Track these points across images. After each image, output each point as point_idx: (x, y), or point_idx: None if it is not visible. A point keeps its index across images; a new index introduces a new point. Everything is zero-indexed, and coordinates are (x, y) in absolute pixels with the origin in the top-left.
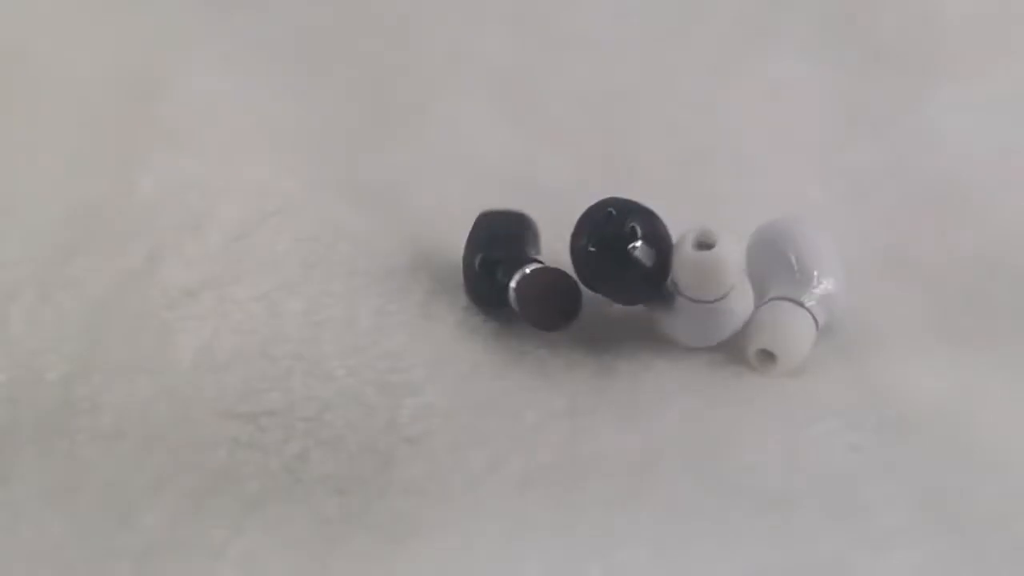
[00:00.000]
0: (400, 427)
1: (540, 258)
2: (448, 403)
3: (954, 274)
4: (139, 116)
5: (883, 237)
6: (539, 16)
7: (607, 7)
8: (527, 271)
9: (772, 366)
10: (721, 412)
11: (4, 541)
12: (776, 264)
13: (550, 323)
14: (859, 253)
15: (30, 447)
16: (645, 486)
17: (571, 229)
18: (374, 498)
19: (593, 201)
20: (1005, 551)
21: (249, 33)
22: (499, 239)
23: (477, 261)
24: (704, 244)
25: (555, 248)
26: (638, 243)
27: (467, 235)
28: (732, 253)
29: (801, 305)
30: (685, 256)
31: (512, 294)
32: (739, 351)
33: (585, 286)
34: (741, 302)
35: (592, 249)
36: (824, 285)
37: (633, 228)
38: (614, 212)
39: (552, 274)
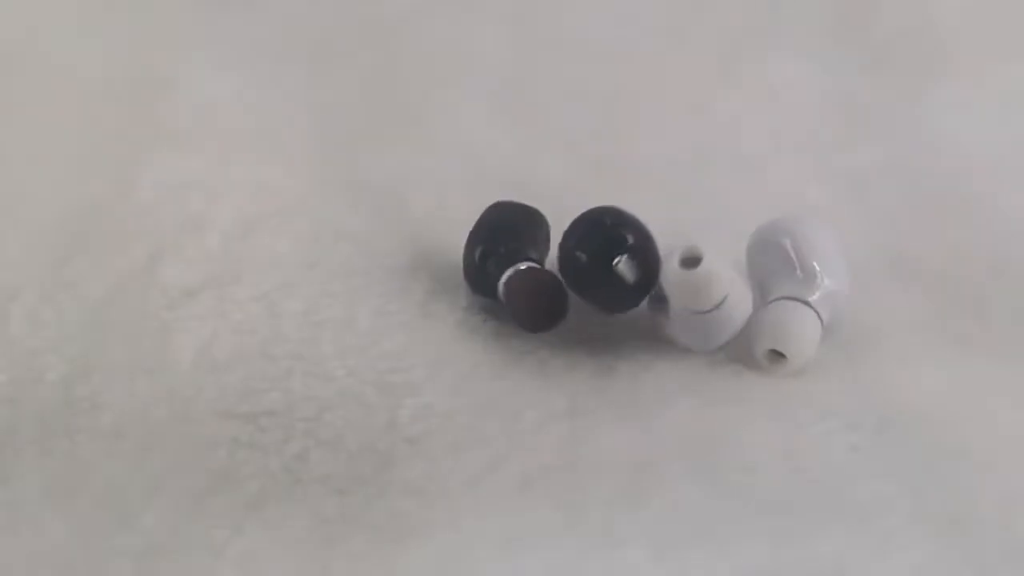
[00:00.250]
0: (400, 427)
1: (535, 256)
2: (448, 403)
3: (954, 274)
4: (139, 116)
5: (883, 237)
6: (539, 16)
7: (607, 7)
8: (519, 268)
9: (781, 366)
10: (721, 412)
11: (4, 541)
12: (778, 264)
13: (534, 324)
14: (859, 253)
15: (30, 447)
16: (645, 486)
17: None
18: (374, 498)
19: (592, 201)
20: (1005, 551)
21: (249, 33)
22: (501, 231)
23: (477, 251)
24: (690, 260)
25: (553, 248)
26: (622, 257)
27: (474, 224)
28: (718, 267)
29: (806, 304)
30: (672, 274)
31: (502, 289)
32: (739, 351)
33: (570, 289)
34: (738, 307)
35: (577, 256)
36: (827, 283)
37: (620, 241)
38: (608, 222)
39: (541, 275)
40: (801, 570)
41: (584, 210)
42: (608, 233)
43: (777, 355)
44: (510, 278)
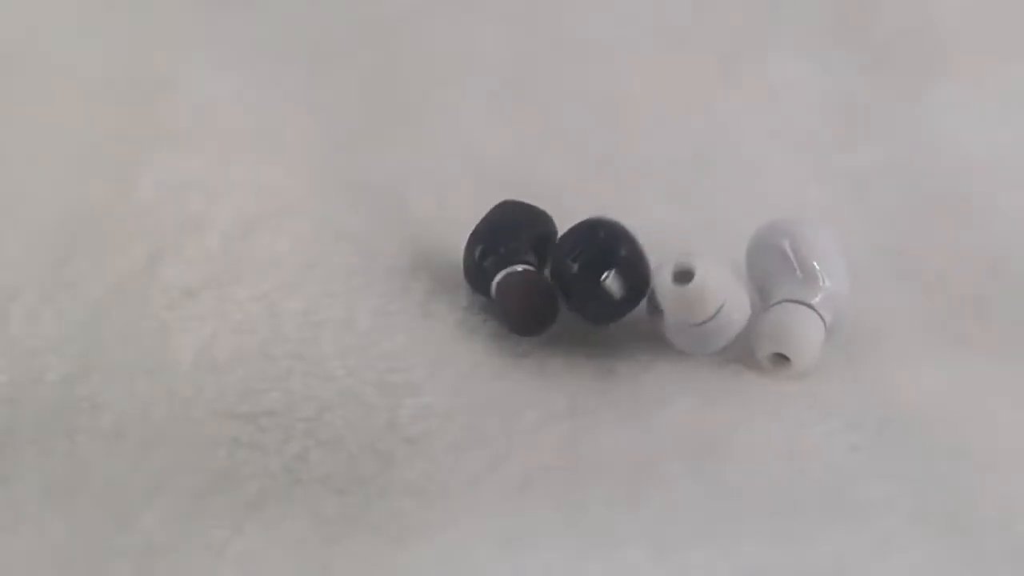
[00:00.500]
0: (400, 427)
1: (533, 259)
2: (448, 403)
3: (954, 274)
4: (139, 116)
5: (883, 237)
6: (539, 16)
7: (607, 7)
8: (513, 270)
9: (784, 369)
10: (721, 412)
11: (4, 541)
12: (778, 266)
13: (520, 327)
14: (859, 253)
15: (30, 447)
16: (645, 486)
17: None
18: (374, 498)
19: (592, 201)
20: (1005, 551)
21: (249, 33)
22: (503, 231)
23: (477, 250)
24: (682, 274)
25: None
26: (611, 273)
27: (478, 222)
28: (711, 280)
29: (809, 306)
30: (664, 289)
31: (494, 289)
32: (740, 352)
33: (560, 296)
34: (734, 314)
35: (566, 266)
36: (829, 284)
37: (610, 256)
38: (601, 234)
39: (532, 279)
40: (801, 570)
41: (583, 213)
42: (600, 246)
43: (781, 358)
44: (502, 279)
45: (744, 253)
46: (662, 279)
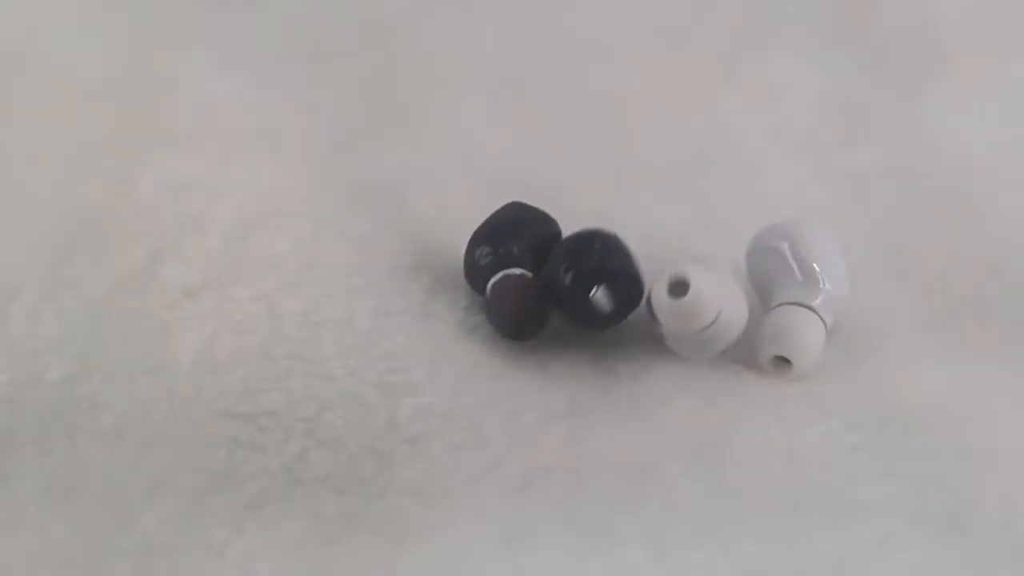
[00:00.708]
0: (400, 427)
1: (531, 263)
2: (448, 403)
3: (954, 274)
4: (139, 116)
5: (883, 237)
6: (539, 16)
7: (607, 7)
8: (507, 273)
9: (786, 371)
10: (721, 412)
11: (4, 541)
12: (778, 269)
13: (509, 331)
14: (859, 253)
15: (30, 447)
16: (645, 486)
17: (569, 230)
18: (374, 498)
19: (592, 201)
20: (1005, 551)
21: (249, 33)
22: (504, 233)
23: (477, 251)
24: (677, 286)
25: None
26: (600, 288)
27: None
28: (707, 290)
29: (810, 309)
30: (660, 302)
31: (488, 291)
32: (740, 352)
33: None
34: (732, 320)
35: (558, 276)
36: (829, 286)
37: (601, 272)
38: (596, 248)
39: (525, 285)
40: (801, 570)
41: (584, 213)
42: (591, 260)
43: (782, 361)
44: (496, 282)
45: (744, 254)
46: (658, 291)
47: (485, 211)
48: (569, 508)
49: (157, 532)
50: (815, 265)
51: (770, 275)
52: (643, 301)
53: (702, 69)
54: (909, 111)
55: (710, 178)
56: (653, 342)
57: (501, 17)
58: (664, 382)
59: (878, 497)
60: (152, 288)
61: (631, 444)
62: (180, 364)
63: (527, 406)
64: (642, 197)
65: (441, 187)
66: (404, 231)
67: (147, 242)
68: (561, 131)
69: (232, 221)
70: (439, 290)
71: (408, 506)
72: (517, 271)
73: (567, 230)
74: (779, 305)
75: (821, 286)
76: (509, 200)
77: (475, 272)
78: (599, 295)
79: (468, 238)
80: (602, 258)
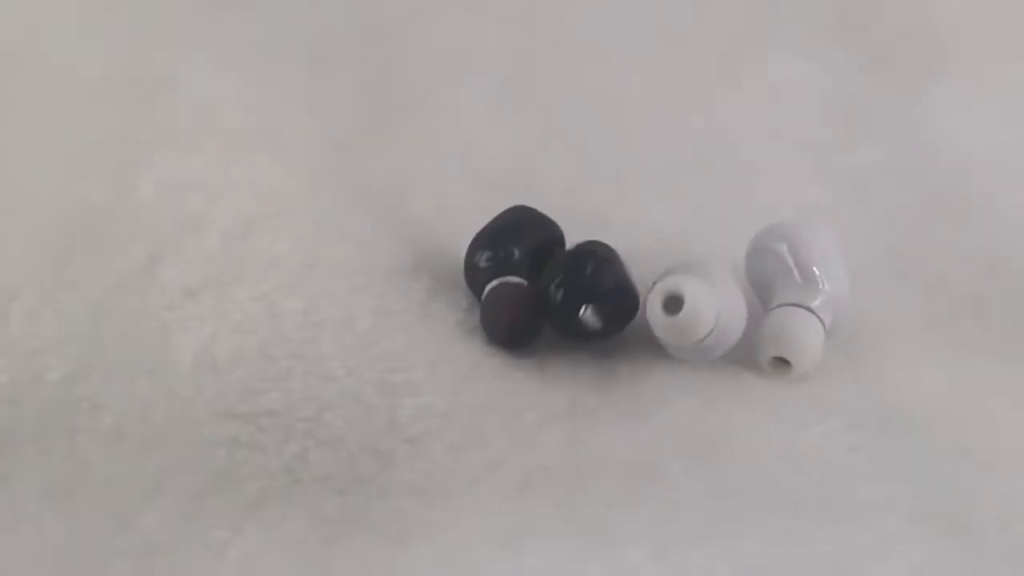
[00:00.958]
0: (400, 427)
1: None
2: (448, 403)
3: (954, 274)
4: (139, 116)
5: (883, 237)
6: (540, 16)
7: (607, 7)
8: (504, 281)
9: (785, 372)
10: (721, 412)
11: (4, 541)
12: (777, 270)
13: (500, 339)
14: (859, 253)
15: (30, 447)
16: (645, 486)
17: (569, 230)
18: (374, 498)
19: (592, 201)
20: (1005, 551)
21: (249, 33)
22: (504, 239)
23: (476, 255)
24: (672, 301)
25: None
26: (589, 307)
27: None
28: (702, 305)
29: (808, 310)
30: (656, 319)
31: (483, 297)
32: (740, 354)
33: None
34: (730, 326)
35: (551, 292)
36: (828, 287)
37: (591, 292)
38: (589, 268)
39: (519, 295)
40: (801, 570)
41: (584, 213)
42: (582, 279)
43: (781, 362)
44: (491, 290)
45: (743, 255)
46: (652, 307)
47: (485, 211)
48: (569, 508)
49: (157, 532)
50: (814, 266)
51: (769, 276)
52: (640, 311)
53: (702, 69)
54: (909, 111)
55: (710, 178)
56: (653, 343)
57: (501, 17)
58: (664, 383)
59: (878, 497)
60: (152, 288)
61: (631, 444)
62: (180, 364)
63: (527, 406)
64: (642, 197)
65: (441, 187)
66: (404, 231)
67: (147, 242)
68: (561, 131)
69: (232, 221)
70: (439, 290)
71: (408, 506)
72: (513, 280)
73: (568, 231)
74: (778, 306)
75: (820, 287)
76: (509, 199)
77: (474, 275)
78: (588, 314)
79: (468, 238)
80: (593, 277)
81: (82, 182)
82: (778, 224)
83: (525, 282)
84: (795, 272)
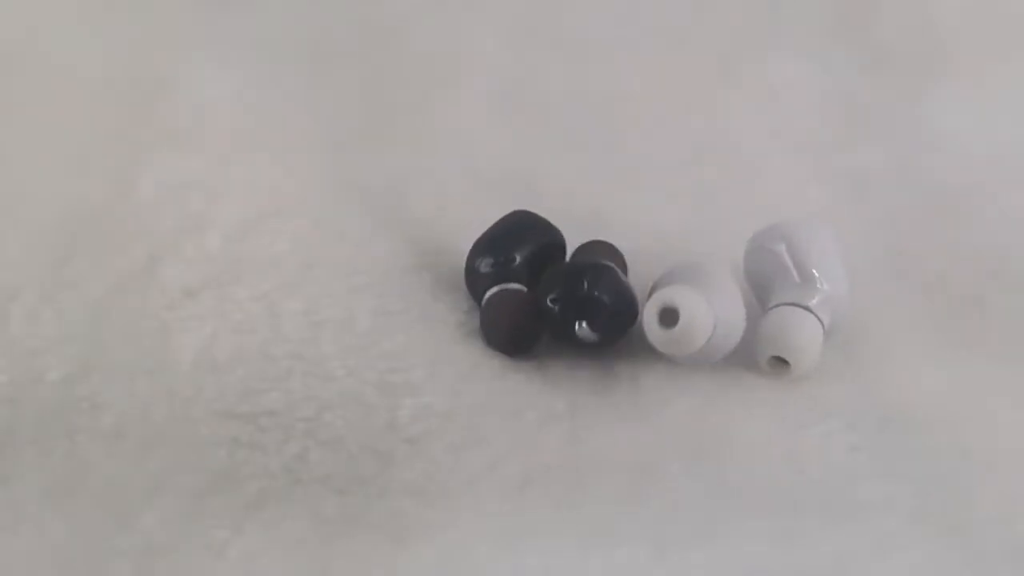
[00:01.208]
0: (400, 427)
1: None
2: (448, 403)
3: (954, 274)
4: (139, 116)
5: (883, 237)
6: (539, 17)
7: (607, 8)
8: (504, 288)
9: (784, 372)
10: (721, 412)
11: (4, 541)
12: (775, 270)
13: (501, 346)
14: (859, 253)
15: (30, 447)
16: (645, 486)
17: (569, 230)
18: (374, 498)
19: (592, 201)
20: (1005, 551)
21: (249, 33)
22: (505, 245)
23: (476, 261)
24: (667, 313)
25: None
26: (583, 323)
27: (485, 230)
28: (698, 317)
29: (807, 309)
30: (652, 332)
31: (483, 303)
32: (740, 354)
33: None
34: (728, 329)
35: (548, 305)
36: (826, 287)
37: (586, 308)
38: (585, 283)
39: (519, 302)
40: (801, 570)
41: (584, 214)
42: (579, 293)
43: (780, 361)
44: (491, 296)
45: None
46: (649, 320)
47: (485, 211)
48: (569, 508)
49: (157, 532)
50: (812, 266)
51: (768, 276)
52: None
53: (702, 69)
54: (909, 111)
55: (710, 178)
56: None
57: (501, 17)
58: (664, 383)
59: (878, 497)
60: (152, 288)
61: (631, 444)
62: (180, 364)
63: (527, 406)
64: (642, 197)
65: (441, 187)
66: (404, 231)
67: (147, 242)
68: (561, 131)
69: (232, 221)
70: (440, 291)
71: (408, 506)
72: (513, 286)
73: (568, 231)
74: (776, 306)
75: (818, 286)
76: (509, 199)
77: (475, 280)
78: (583, 330)
79: (468, 238)
80: (589, 293)
81: (82, 182)
82: (776, 224)
83: (525, 289)
84: (793, 272)
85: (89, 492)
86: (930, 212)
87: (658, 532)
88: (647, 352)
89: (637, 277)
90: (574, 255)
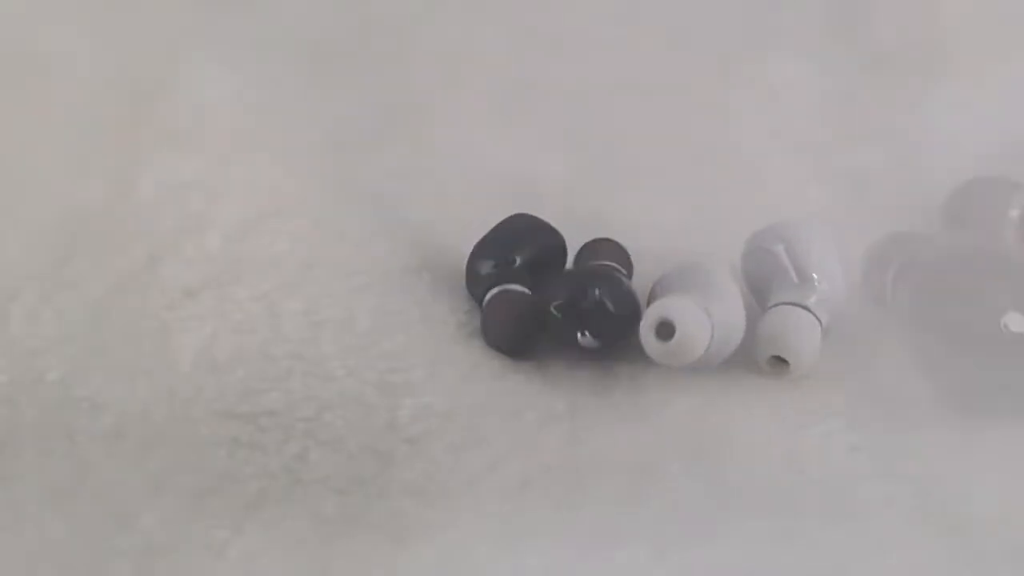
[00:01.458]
0: (400, 427)
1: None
2: (448, 404)
3: None
4: (139, 116)
5: None
6: (539, 16)
7: (607, 8)
8: (505, 289)
9: (784, 371)
10: (721, 412)
11: (4, 541)
12: (773, 270)
13: (502, 347)
14: (859, 253)
15: (30, 447)
16: (645, 486)
17: (569, 230)
18: (374, 498)
19: (592, 201)
20: (1005, 551)
21: (249, 33)
22: (506, 247)
23: (478, 263)
24: (664, 326)
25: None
26: (586, 333)
27: (487, 232)
28: (694, 329)
29: (805, 308)
30: (649, 345)
31: (484, 304)
32: (739, 354)
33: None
34: (726, 334)
35: (552, 312)
36: (824, 286)
37: (589, 318)
38: (592, 295)
39: (520, 303)
40: (801, 570)
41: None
42: (583, 303)
43: (780, 361)
44: (492, 297)
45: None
46: (645, 334)
47: (485, 211)
48: (569, 508)
49: (157, 532)
50: (810, 265)
51: (766, 276)
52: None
53: (702, 69)
54: (909, 111)
55: (710, 178)
56: None
57: (501, 17)
58: (664, 383)
59: (878, 497)
60: (152, 288)
61: (631, 444)
62: (180, 364)
63: (527, 406)
64: (642, 197)
65: (441, 187)
66: (404, 231)
67: (147, 242)
68: (561, 131)
69: (232, 221)
70: (440, 291)
71: (408, 506)
72: (514, 288)
73: (568, 231)
74: (775, 305)
75: (816, 286)
76: (509, 199)
77: (476, 282)
78: (587, 339)
79: (468, 238)
80: (594, 302)
81: (82, 182)
82: (773, 225)
83: (526, 290)
84: (791, 272)
85: (89, 492)
86: (930, 212)
87: (658, 532)
88: (647, 353)
89: (638, 277)
90: (580, 253)
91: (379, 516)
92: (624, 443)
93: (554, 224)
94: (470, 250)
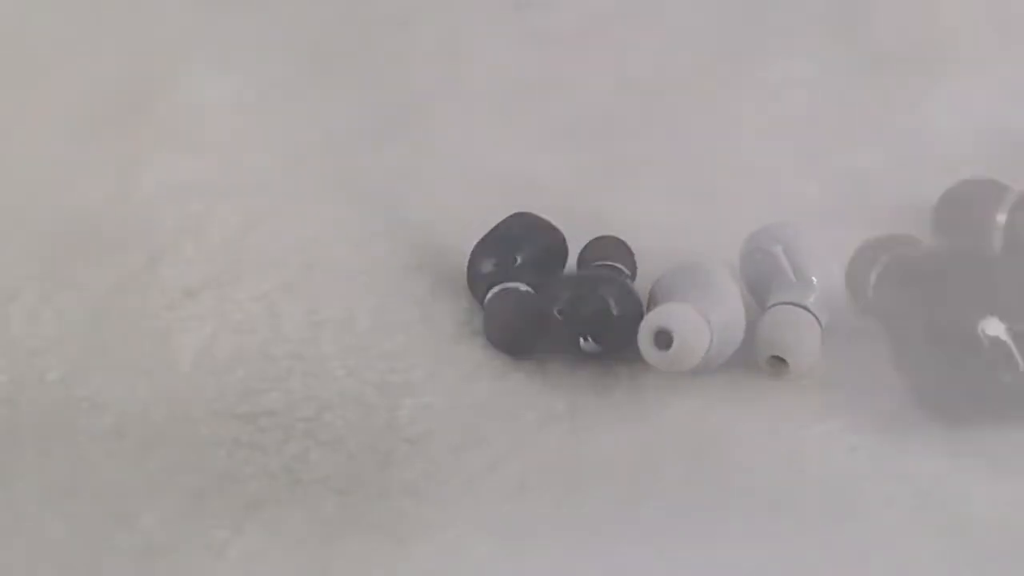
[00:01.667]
0: (400, 427)
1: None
2: (448, 404)
3: None
4: (139, 116)
5: None
6: (539, 17)
7: (607, 9)
8: (507, 288)
9: (784, 371)
10: (721, 413)
11: (4, 541)
12: (772, 271)
13: (504, 346)
14: None
15: (30, 447)
16: (645, 486)
17: (569, 229)
18: (374, 498)
19: (592, 201)
20: (1005, 551)
21: (249, 33)
22: (507, 247)
23: (479, 262)
24: (661, 335)
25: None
26: (588, 338)
27: (488, 231)
28: (692, 337)
29: (804, 308)
30: (648, 353)
31: (485, 303)
32: (739, 354)
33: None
34: (726, 337)
35: (555, 314)
36: (823, 286)
37: (592, 324)
38: (600, 301)
39: (522, 302)
40: (801, 570)
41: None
42: (586, 309)
43: (779, 361)
44: (494, 296)
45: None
46: (644, 342)
47: (485, 211)
48: (569, 508)
49: (157, 532)
50: (808, 265)
51: (764, 276)
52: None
53: (702, 69)
54: (909, 111)
55: (710, 178)
56: None
57: (501, 17)
58: (664, 383)
59: (878, 497)
60: (152, 288)
61: (631, 444)
62: (180, 364)
63: (527, 407)
64: (642, 196)
65: (441, 187)
66: (404, 231)
67: (147, 242)
68: (561, 131)
69: (232, 221)
70: (440, 291)
71: (408, 506)
72: (516, 286)
73: (568, 231)
74: (774, 305)
75: (815, 286)
76: (509, 199)
77: (477, 281)
78: (589, 344)
79: (468, 237)
80: (597, 308)
81: (83, 183)
82: (770, 226)
83: (528, 288)
84: (790, 272)
85: (89, 492)
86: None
87: (658, 532)
88: None
89: (638, 276)
90: (584, 251)
91: (379, 516)
92: (624, 443)
93: (555, 223)
94: (470, 250)
